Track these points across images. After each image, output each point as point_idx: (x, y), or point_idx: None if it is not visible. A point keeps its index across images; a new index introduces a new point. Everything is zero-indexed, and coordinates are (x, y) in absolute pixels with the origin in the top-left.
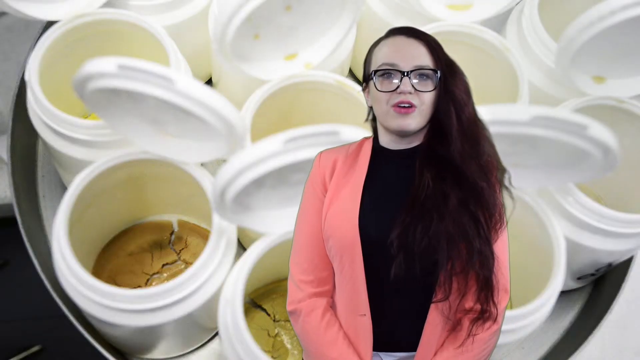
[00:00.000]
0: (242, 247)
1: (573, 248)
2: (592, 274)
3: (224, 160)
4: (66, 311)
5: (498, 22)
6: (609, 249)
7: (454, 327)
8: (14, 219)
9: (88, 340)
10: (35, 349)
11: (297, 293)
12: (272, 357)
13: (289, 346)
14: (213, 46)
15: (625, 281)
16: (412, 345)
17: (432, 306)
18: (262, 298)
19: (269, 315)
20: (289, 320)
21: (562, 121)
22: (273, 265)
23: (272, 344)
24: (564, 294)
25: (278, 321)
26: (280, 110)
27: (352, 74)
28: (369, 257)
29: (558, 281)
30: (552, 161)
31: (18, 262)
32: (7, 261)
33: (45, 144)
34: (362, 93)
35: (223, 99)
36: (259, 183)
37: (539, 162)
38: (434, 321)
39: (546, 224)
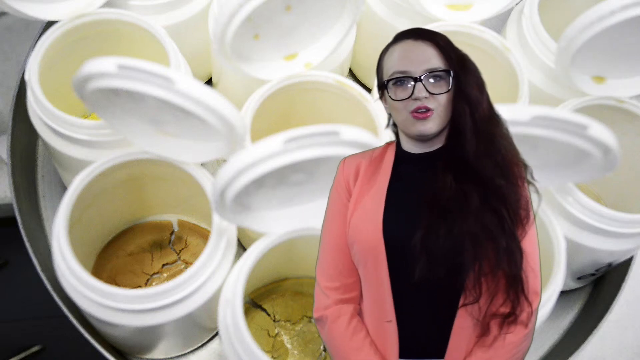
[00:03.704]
0: (242, 247)
1: (573, 248)
2: (592, 274)
3: (224, 160)
4: (66, 311)
5: (498, 22)
6: (609, 249)
7: (483, 331)
8: (14, 219)
9: (88, 340)
10: (35, 349)
11: (324, 300)
12: (272, 357)
13: (289, 346)
14: (213, 46)
15: (625, 281)
16: (440, 351)
17: (461, 310)
18: (262, 298)
19: (269, 315)
20: (289, 321)
21: (562, 121)
22: (273, 265)
23: (272, 344)
24: (564, 294)
25: (278, 321)
26: (280, 110)
27: (352, 74)
28: (394, 261)
29: (558, 281)
30: (552, 161)
31: (18, 262)
32: (7, 261)
33: (45, 144)
34: (361, 94)
35: (223, 99)
36: (259, 183)
37: (539, 162)
38: (463, 325)
39: (546, 224)
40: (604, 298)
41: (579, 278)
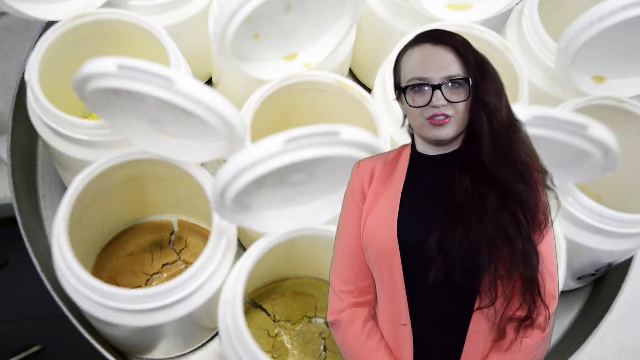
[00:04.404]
0: (242, 247)
1: (573, 248)
2: (592, 274)
3: (224, 160)
4: (66, 311)
5: (498, 22)
6: (609, 249)
7: (499, 335)
8: (14, 219)
9: (88, 340)
10: (35, 349)
11: (338, 303)
12: (272, 357)
13: (289, 346)
14: (213, 46)
15: (625, 281)
16: (455, 355)
17: (476, 313)
18: (262, 298)
19: (269, 315)
20: (289, 321)
21: (562, 121)
22: (273, 265)
23: (272, 344)
24: (564, 294)
25: (278, 321)
26: (280, 110)
27: (352, 74)
28: (409, 265)
29: (558, 281)
30: (552, 161)
31: (18, 262)
32: (7, 261)
33: (45, 144)
34: (361, 94)
35: (223, 99)
36: (259, 183)
37: None
38: (478, 329)
39: None
40: (604, 298)
41: (579, 278)
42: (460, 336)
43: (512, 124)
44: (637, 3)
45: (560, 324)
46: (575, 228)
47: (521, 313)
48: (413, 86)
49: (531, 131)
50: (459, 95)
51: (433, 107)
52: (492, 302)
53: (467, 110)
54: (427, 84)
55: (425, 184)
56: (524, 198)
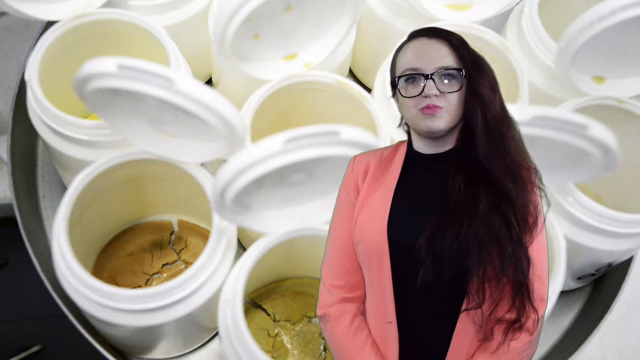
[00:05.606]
0: (242, 247)
1: (573, 248)
2: (592, 274)
3: (224, 160)
4: (66, 311)
5: (498, 22)
6: (609, 249)
7: (485, 336)
8: (14, 219)
9: (88, 340)
10: (35, 349)
11: (328, 297)
12: (272, 357)
13: (289, 346)
14: (213, 46)
15: (625, 281)
16: (440, 355)
17: (463, 314)
18: (262, 298)
19: (269, 315)
20: (289, 321)
21: (562, 121)
22: (273, 265)
23: (272, 344)
24: (564, 294)
25: (278, 321)
26: (280, 110)
27: (352, 74)
28: (398, 263)
29: (558, 281)
30: (552, 161)
31: (18, 262)
32: (7, 261)
33: (45, 144)
34: (361, 94)
35: (223, 99)
36: (259, 183)
37: (539, 163)
38: (464, 330)
39: (546, 224)
40: (604, 298)
41: (579, 278)
42: (447, 336)
43: (505, 119)
44: (637, 3)
45: (560, 324)
46: (575, 228)
47: (510, 316)
48: (407, 77)
49: (531, 131)
50: (452, 86)
51: (425, 97)
52: (479, 305)
53: (460, 102)
54: (420, 74)
55: (419, 182)
56: (512, 197)
